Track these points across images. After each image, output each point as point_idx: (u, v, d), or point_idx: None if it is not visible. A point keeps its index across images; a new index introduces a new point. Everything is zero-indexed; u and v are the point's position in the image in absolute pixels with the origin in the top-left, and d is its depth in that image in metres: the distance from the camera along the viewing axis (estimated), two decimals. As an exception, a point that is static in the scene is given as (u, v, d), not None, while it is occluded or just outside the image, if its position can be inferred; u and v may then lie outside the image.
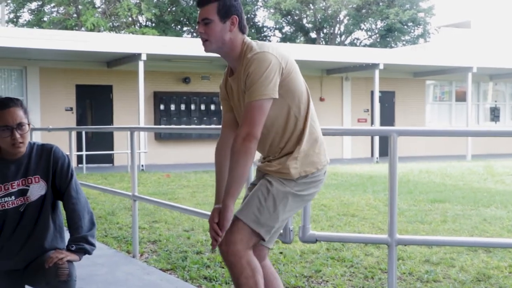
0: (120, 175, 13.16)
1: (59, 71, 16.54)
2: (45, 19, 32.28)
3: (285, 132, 2.63)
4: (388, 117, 20.59)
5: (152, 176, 12.93)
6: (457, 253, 5.07)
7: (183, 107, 17.80)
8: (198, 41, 2.70)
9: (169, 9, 33.89)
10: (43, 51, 14.64)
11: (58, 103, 16.54)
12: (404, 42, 36.28)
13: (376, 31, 36.50)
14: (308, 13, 35.18)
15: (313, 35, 36.88)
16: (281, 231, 3.19)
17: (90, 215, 2.93)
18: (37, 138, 13.05)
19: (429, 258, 4.91)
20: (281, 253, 5.13)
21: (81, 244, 2.84)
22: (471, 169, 14.12)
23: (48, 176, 2.89)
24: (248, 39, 2.64)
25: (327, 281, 4.34)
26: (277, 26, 37.16)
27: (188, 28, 34.78)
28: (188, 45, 16.01)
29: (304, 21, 36.64)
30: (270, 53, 2.53)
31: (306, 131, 2.63)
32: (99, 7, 32.24)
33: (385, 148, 17.43)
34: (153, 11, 30.78)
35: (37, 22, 32.31)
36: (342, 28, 36.23)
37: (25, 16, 35.07)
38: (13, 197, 2.84)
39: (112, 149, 16.94)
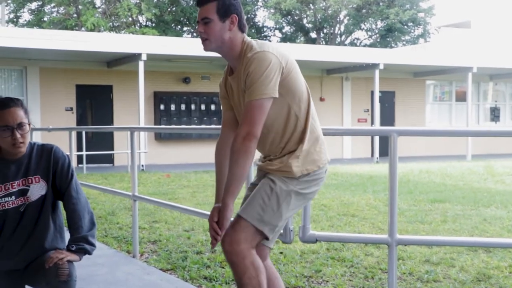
0: (120, 175, 13.16)
1: (59, 71, 16.54)
2: (45, 19, 32.28)
3: (286, 131, 2.64)
4: (388, 117, 20.59)
5: (152, 176, 12.94)
6: (457, 253, 5.07)
7: (183, 107, 17.80)
8: (198, 41, 2.70)
9: (169, 9, 33.90)
10: (43, 51, 14.64)
11: (58, 103, 16.54)
12: (404, 42, 36.28)
13: (376, 31, 36.50)
14: (308, 13, 35.18)
15: (313, 35, 36.88)
16: (281, 231, 3.19)
17: (90, 215, 2.93)
18: (37, 138, 13.05)
19: (429, 258, 4.91)
20: (281, 253, 5.13)
21: (81, 244, 2.83)
22: (471, 169, 14.12)
23: (49, 176, 2.89)
24: (248, 38, 2.64)
25: (327, 281, 4.34)
26: (277, 26, 37.17)
27: (188, 28, 34.80)
28: (188, 45, 16.02)
29: (304, 21, 36.65)
30: (270, 52, 2.53)
31: (307, 130, 2.64)
32: (99, 7, 32.25)
33: (385, 148, 17.44)
34: (153, 11, 30.78)
35: (37, 22, 32.32)
36: (342, 28, 36.23)
37: (25, 16, 35.13)
38: (13, 197, 2.84)
39: (112, 149, 16.94)
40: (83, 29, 29.63)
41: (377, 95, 18.23)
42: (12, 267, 2.89)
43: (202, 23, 2.58)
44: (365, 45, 36.13)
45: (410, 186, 10.44)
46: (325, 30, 36.71)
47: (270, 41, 34.19)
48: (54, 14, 32.80)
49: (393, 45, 35.80)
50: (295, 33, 37.38)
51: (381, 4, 34.44)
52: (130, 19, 32.65)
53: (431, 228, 6.37)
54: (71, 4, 30.94)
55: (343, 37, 36.55)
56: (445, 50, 22.67)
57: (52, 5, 32.26)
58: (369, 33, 37.17)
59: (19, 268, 2.90)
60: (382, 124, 19.57)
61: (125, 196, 6.25)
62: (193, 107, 17.86)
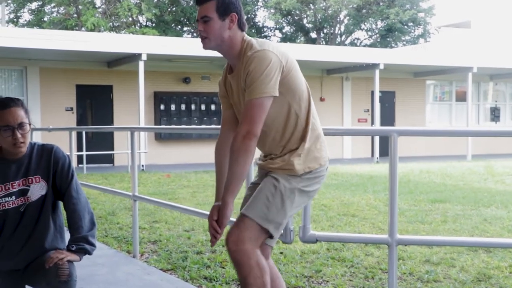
0: (120, 175, 13.16)
1: (59, 71, 16.55)
2: (45, 19, 32.29)
3: (286, 130, 2.64)
4: (388, 117, 20.59)
5: (152, 176, 12.93)
6: (457, 253, 5.07)
7: (183, 107, 17.80)
8: (198, 41, 2.70)
9: (169, 9, 33.90)
10: (43, 51, 14.64)
11: (58, 103, 16.54)
12: (404, 42, 36.28)
13: (376, 31, 36.50)
14: (308, 13, 35.18)
15: (313, 35, 36.88)
16: (282, 231, 3.19)
17: (91, 215, 2.93)
18: (38, 138, 13.06)
19: (430, 258, 4.91)
20: (281, 253, 5.13)
21: (81, 244, 2.83)
22: (472, 169, 14.12)
23: (49, 176, 2.88)
24: (248, 37, 2.64)
25: (327, 281, 4.34)
26: (277, 26, 37.17)
27: (189, 28, 34.80)
28: (188, 45, 16.01)
29: (304, 21, 36.64)
30: (271, 51, 2.53)
31: (309, 128, 2.64)
32: (99, 7, 32.25)
33: (385, 148, 17.43)
34: (153, 11, 30.79)
35: (37, 22, 32.32)
36: (342, 28, 36.23)
37: (25, 16, 35.12)
38: (13, 197, 2.84)
39: (113, 149, 16.95)
40: (83, 29, 29.63)
41: (377, 95, 18.23)
42: (12, 267, 2.89)
43: (201, 21, 2.58)
44: (365, 45, 36.13)
45: (410, 186, 10.44)
46: (325, 30, 36.71)
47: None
48: (54, 14, 32.81)
49: (393, 45, 35.80)
50: (295, 33, 37.38)
51: (381, 4, 34.43)
52: (130, 19, 32.66)
53: (431, 228, 6.37)
54: (71, 4, 30.94)
55: (343, 37, 36.55)
56: (445, 50, 22.66)
57: (52, 5, 32.27)
58: (369, 33, 37.18)
59: (19, 268, 2.90)
60: (382, 124, 19.56)
61: (125, 196, 6.25)
62: (193, 107, 17.86)
